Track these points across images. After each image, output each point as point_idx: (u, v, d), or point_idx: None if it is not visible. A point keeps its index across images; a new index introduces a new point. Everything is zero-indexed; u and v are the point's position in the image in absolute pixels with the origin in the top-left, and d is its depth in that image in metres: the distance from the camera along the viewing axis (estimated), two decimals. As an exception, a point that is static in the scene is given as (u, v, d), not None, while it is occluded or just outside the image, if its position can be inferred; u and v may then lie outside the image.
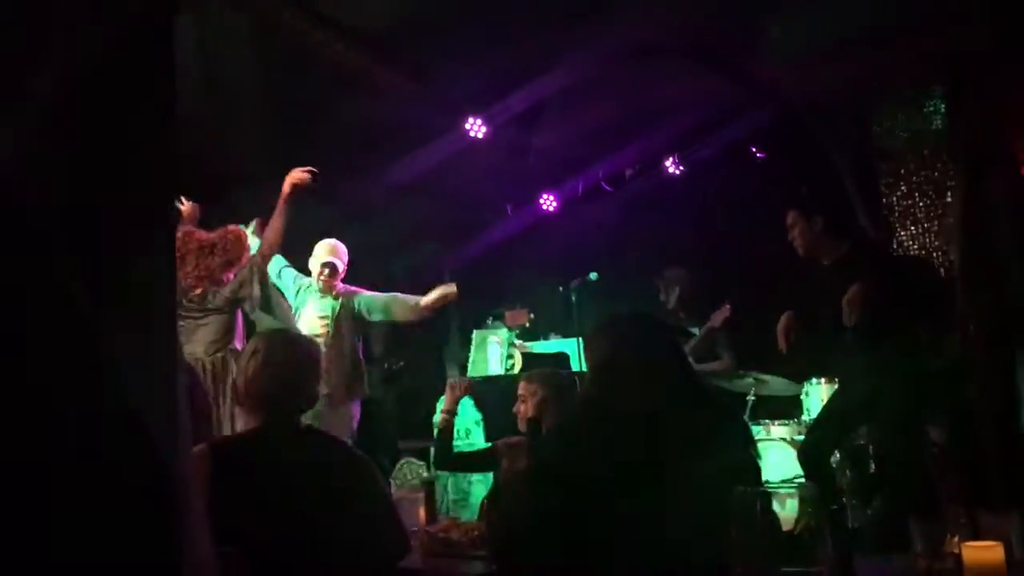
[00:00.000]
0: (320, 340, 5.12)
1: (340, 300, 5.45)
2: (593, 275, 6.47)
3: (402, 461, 6.30)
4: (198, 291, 4.81)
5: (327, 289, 5.42)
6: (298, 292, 5.50)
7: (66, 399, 1.25)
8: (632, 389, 2.50)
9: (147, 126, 1.42)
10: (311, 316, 5.37)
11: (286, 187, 5.03)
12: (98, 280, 1.29)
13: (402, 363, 7.64)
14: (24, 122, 1.27)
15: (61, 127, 1.29)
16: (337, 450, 2.70)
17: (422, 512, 3.47)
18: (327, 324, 5.35)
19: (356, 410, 5.37)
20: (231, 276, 4.92)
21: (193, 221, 5.15)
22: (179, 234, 4.97)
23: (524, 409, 3.88)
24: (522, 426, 3.93)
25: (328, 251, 5.52)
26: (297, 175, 5.03)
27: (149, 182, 1.45)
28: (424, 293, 5.47)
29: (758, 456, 2.64)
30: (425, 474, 6.55)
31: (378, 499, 2.60)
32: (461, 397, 4.46)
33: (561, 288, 6.63)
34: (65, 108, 1.30)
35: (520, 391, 3.96)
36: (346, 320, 5.38)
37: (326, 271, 5.43)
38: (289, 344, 2.74)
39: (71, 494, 1.24)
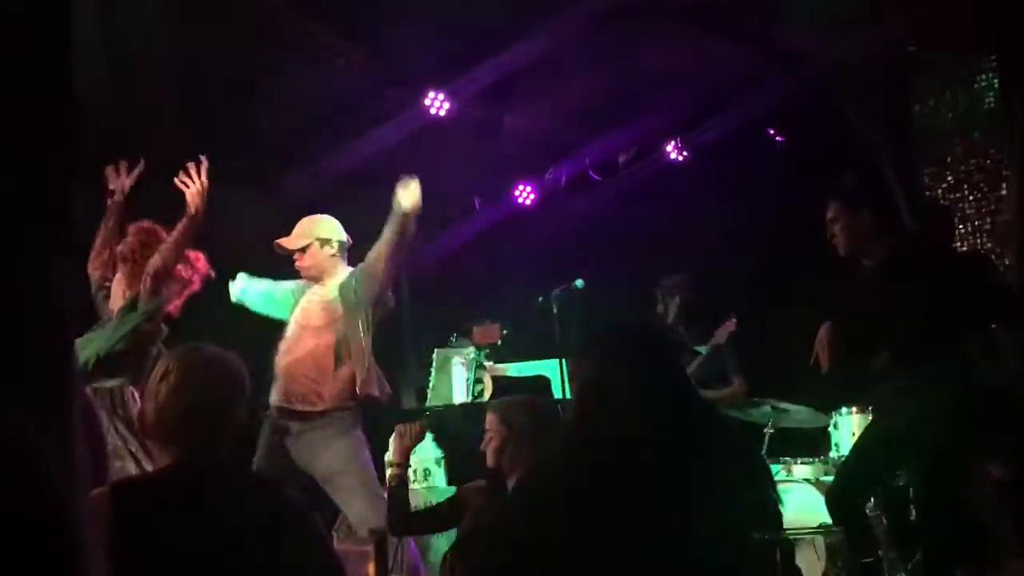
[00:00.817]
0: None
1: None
2: (579, 282, 6.47)
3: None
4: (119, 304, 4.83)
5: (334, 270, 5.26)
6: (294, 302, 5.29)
7: None
8: (626, 421, 2.51)
9: (36, 103, 1.42)
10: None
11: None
12: None
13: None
14: None
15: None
16: (266, 493, 2.69)
17: (371, 569, 3.45)
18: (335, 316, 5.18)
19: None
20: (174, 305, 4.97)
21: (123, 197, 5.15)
22: (139, 228, 4.99)
23: (493, 446, 3.88)
24: (491, 463, 3.92)
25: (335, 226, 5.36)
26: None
27: (41, 174, 1.44)
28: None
29: (778, 499, 2.65)
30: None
31: (315, 554, 2.59)
32: (412, 447, 4.42)
33: (540, 298, 6.63)
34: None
35: (488, 424, 3.95)
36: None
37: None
38: (208, 362, 2.71)
39: None
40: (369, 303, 5.07)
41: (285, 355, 5.05)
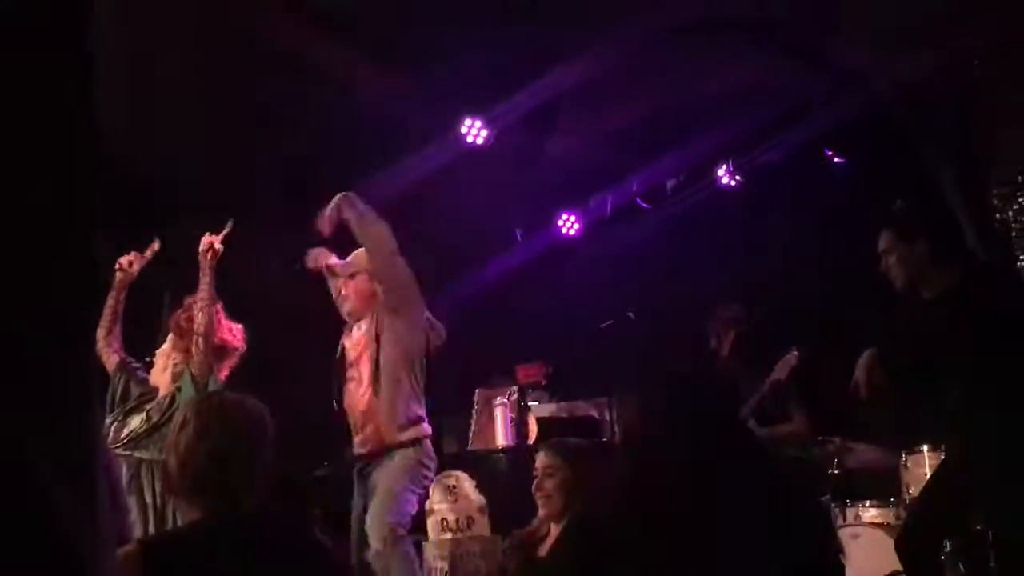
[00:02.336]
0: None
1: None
2: (628, 316, 6.47)
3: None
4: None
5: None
6: None
7: None
8: (675, 474, 2.49)
9: (60, 144, 1.43)
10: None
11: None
12: None
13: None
14: None
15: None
16: (302, 545, 2.69)
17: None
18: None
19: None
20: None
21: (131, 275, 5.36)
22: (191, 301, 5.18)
23: (549, 487, 3.87)
24: (543, 509, 3.91)
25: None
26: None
27: (65, 224, 1.46)
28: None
29: (839, 553, 2.61)
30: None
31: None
32: None
33: (588, 334, 6.62)
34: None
35: (539, 463, 3.95)
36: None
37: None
38: (226, 408, 2.71)
39: None
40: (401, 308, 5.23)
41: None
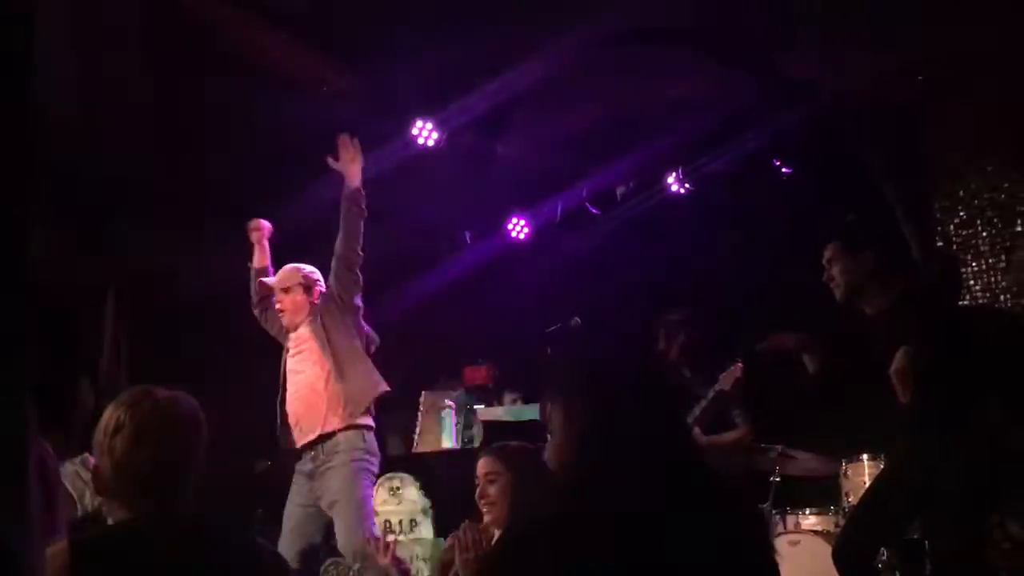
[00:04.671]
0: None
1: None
2: (575, 320, 6.48)
3: (328, 562, 6.25)
4: None
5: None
6: None
7: None
8: (610, 469, 2.49)
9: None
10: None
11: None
12: None
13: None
14: None
15: None
16: (238, 546, 2.67)
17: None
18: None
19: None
20: None
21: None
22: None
23: (492, 494, 3.85)
24: (487, 515, 3.90)
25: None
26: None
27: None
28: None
29: (772, 556, 2.62)
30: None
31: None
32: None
33: (535, 338, 6.64)
34: None
35: (486, 467, 3.93)
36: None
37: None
38: (162, 409, 2.65)
39: None
40: (350, 297, 5.52)
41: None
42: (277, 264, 5.78)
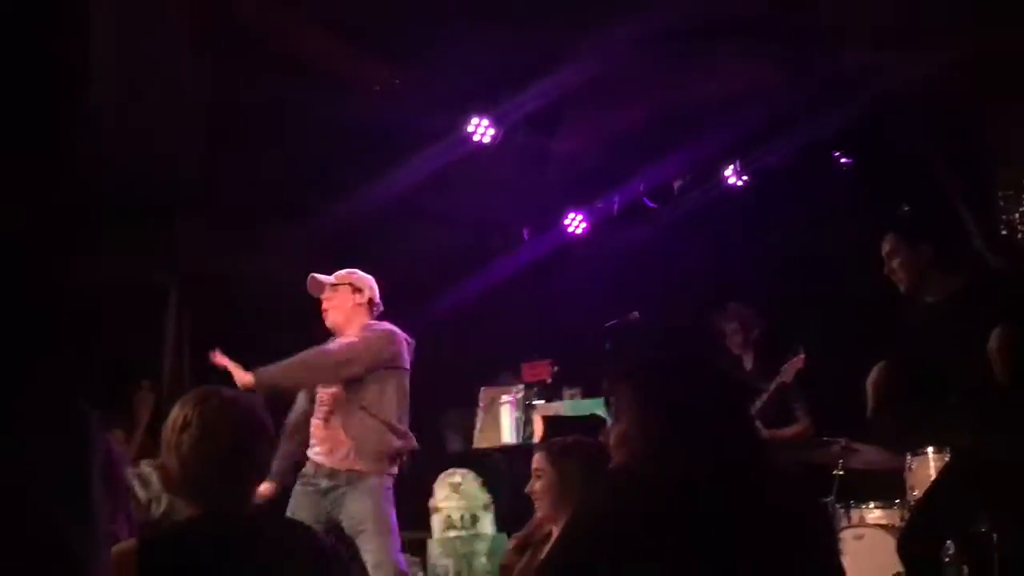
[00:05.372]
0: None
1: None
2: (634, 315, 6.47)
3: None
4: None
5: None
6: None
7: None
8: (670, 465, 2.49)
9: (49, 142, 1.45)
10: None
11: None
12: None
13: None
14: None
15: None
16: (301, 540, 2.71)
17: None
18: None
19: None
20: None
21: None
22: None
23: (536, 489, 3.86)
24: (538, 511, 3.91)
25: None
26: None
27: (61, 194, 1.49)
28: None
29: (837, 553, 2.60)
30: (421, 574, 6.55)
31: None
32: None
33: (593, 333, 6.63)
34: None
35: (535, 464, 3.94)
36: None
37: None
38: (228, 408, 2.71)
39: None
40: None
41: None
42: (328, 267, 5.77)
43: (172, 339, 6.79)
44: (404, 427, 5.23)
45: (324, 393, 5.20)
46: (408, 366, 5.31)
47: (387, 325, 5.34)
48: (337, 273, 5.45)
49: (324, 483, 5.06)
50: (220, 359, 4.92)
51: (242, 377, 4.82)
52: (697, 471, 2.49)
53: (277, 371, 4.98)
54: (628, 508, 2.46)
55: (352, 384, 5.13)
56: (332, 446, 5.10)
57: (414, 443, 5.25)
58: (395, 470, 5.19)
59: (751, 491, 2.49)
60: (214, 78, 5.35)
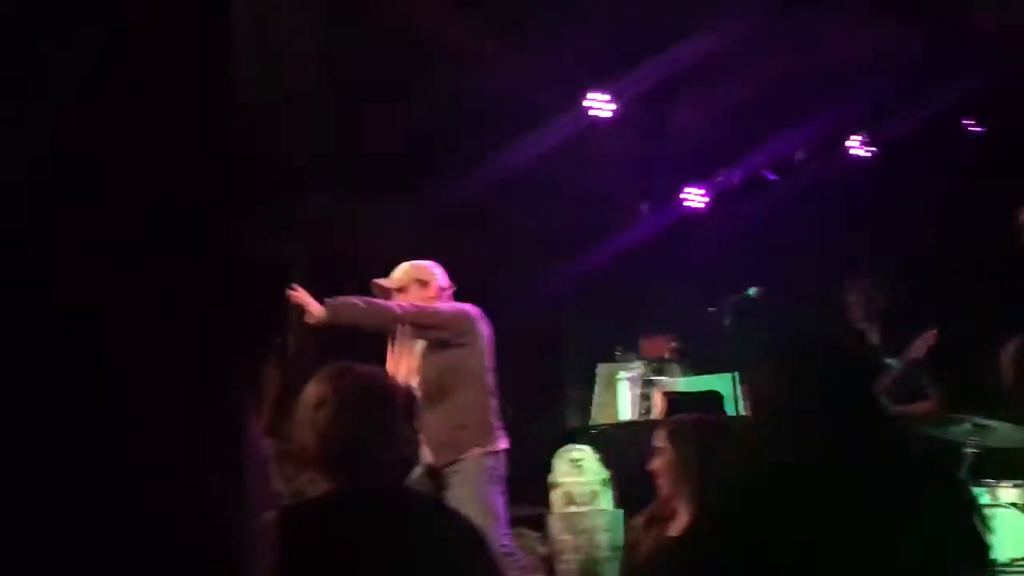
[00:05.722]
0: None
1: None
2: (753, 290, 6.39)
3: (512, 532, 6.33)
4: None
5: None
6: None
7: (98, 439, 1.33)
8: (807, 445, 2.45)
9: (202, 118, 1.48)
10: None
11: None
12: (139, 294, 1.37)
13: (509, 410, 7.68)
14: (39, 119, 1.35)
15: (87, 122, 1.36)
16: (438, 516, 2.72)
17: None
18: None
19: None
20: None
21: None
22: None
23: (657, 466, 3.84)
24: (659, 489, 3.88)
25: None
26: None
27: (212, 184, 1.52)
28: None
29: (986, 528, 2.54)
30: (542, 548, 6.57)
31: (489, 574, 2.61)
32: None
33: (712, 308, 6.57)
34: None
35: (656, 442, 3.92)
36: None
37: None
38: (364, 384, 2.74)
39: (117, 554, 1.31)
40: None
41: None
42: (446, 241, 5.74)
43: (297, 315, 6.89)
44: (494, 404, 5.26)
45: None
46: (488, 345, 5.30)
47: (464, 305, 5.32)
48: (395, 275, 5.36)
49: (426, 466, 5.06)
50: (296, 294, 4.92)
51: (314, 310, 4.86)
52: (829, 449, 2.45)
53: (348, 311, 4.99)
54: (763, 489, 2.43)
55: (441, 360, 5.12)
56: (434, 429, 5.09)
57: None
58: (499, 448, 5.20)
59: (885, 467, 2.45)
60: (336, 53, 5.39)
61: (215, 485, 1.41)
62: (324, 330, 4.98)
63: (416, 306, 5.14)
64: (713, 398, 6.84)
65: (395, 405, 2.75)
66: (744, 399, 2.65)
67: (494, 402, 5.28)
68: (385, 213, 6.18)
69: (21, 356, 1.29)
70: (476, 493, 5.03)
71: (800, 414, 2.54)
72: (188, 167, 1.46)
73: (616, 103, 6.59)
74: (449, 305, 5.28)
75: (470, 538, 2.67)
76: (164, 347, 1.35)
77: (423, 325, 4.93)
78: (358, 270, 6.11)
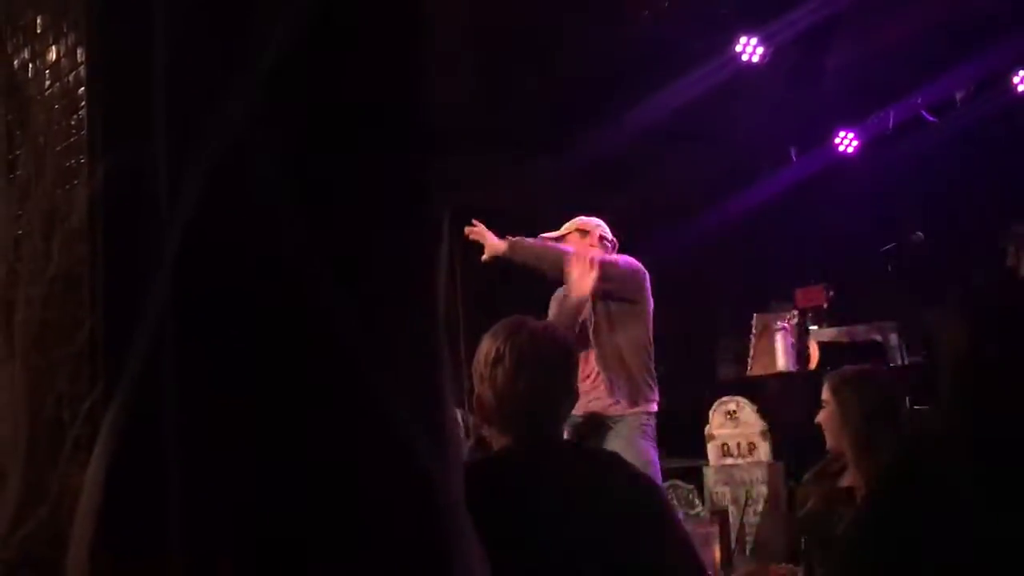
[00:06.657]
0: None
1: None
2: (917, 235, 6.22)
3: (666, 484, 6.33)
4: None
5: None
6: None
7: (313, 395, 1.41)
8: (1012, 403, 2.32)
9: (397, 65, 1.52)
10: None
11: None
12: (344, 252, 1.43)
13: (663, 363, 7.66)
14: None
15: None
16: (614, 469, 2.71)
17: (716, 552, 3.44)
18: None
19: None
20: None
21: None
22: None
23: (822, 420, 3.75)
24: (831, 442, 3.80)
25: None
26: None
27: (403, 138, 1.56)
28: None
29: None
30: (698, 502, 6.55)
31: (675, 536, 2.59)
32: None
33: (871, 255, 6.42)
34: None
35: (823, 395, 3.83)
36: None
37: None
38: (539, 339, 2.74)
39: (327, 501, 1.41)
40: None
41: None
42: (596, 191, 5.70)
43: (447, 270, 6.97)
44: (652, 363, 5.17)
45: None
46: (651, 303, 5.20)
47: (637, 263, 5.21)
48: (565, 226, 5.29)
49: (580, 420, 5.05)
50: (474, 231, 4.93)
51: (495, 245, 4.86)
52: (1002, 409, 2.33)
53: (529, 248, 4.97)
54: (967, 461, 2.32)
55: (607, 313, 5.08)
56: (590, 384, 5.08)
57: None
58: (653, 408, 5.16)
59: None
60: (484, 5, 5.39)
61: (436, 458, 1.51)
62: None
63: (604, 256, 5.09)
64: (872, 347, 6.70)
65: (569, 362, 2.74)
66: (936, 357, 2.54)
67: (652, 361, 5.24)
68: (539, 167, 6.16)
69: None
70: (632, 445, 5.02)
71: (998, 372, 2.41)
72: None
73: (767, 47, 6.49)
74: (625, 260, 5.23)
75: (654, 495, 2.66)
76: (397, 337, 1.47)
77: (601, 276, 4.92)
78: (510, 226, 6.10)
